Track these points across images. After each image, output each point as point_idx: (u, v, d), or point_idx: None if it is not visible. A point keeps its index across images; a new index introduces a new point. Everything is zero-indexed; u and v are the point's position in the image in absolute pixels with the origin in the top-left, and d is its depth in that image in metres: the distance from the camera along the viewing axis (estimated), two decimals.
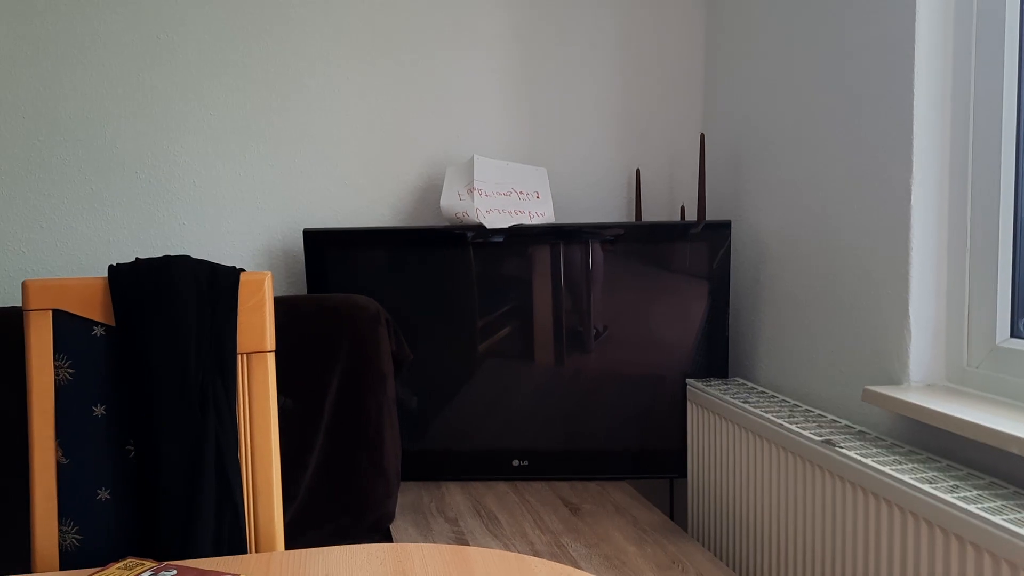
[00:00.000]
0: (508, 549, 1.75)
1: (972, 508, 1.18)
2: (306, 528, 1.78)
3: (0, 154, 2.01)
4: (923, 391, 1.50)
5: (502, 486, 2.11)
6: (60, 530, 1.08)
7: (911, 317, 1.54)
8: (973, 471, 1.35)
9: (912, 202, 1.53)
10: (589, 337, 2.07)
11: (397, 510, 1.96)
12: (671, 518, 2.30)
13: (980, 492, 1.24)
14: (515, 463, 2.10)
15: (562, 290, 2.06)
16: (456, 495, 2.05)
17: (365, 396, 1.79)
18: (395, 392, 1.85)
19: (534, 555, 1.73)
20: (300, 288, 2.17)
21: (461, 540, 1.79)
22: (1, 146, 2.00)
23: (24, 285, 1.08)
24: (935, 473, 1.33)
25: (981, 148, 1.47)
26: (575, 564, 1.68)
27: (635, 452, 2.09)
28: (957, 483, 1.29)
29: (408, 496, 2.04)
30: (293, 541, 1.77)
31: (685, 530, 2.14)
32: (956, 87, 1.51)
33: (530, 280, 2.06)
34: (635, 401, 2.08)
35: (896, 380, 1.58)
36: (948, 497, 1.22)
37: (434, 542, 1.78)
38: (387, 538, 1.83)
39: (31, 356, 1.08)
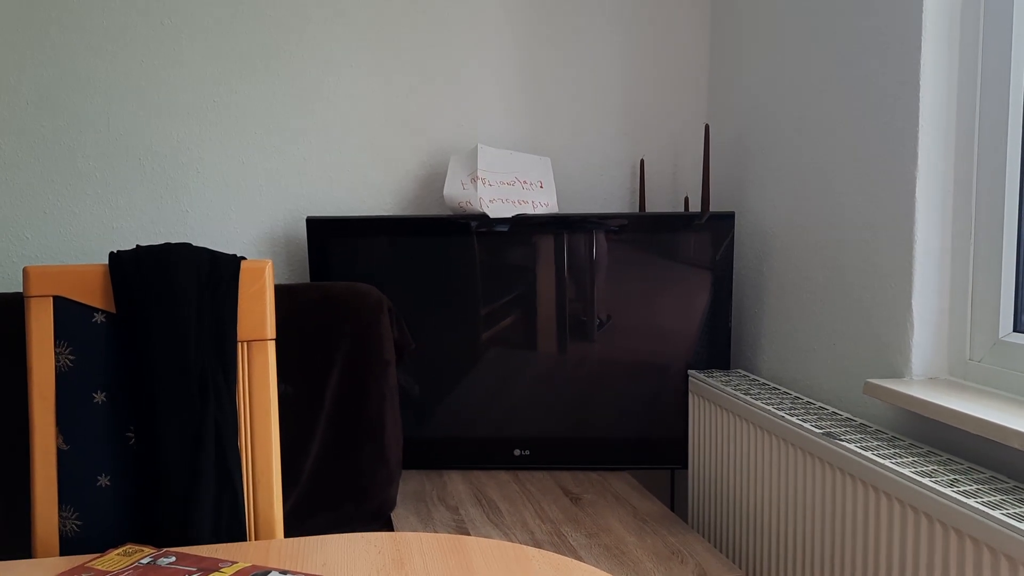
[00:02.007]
0: (508, 538, 1.75)
1: (971, 502, 1.17)
2: (307, 515, 1.78)
3: (4, 140, 2.01)
4: (925, 385, 1.50)
5: (503, 475, 2.11)
6: (60, 516, 1.08)
7: (914, 310, 1.54)
8: (973, 465, 1.35)
9: (917, 194, 1.53)
10: (592, 327, 2.07)
11: (399, 498, 1.97)
12: (671, 509, 2.31)
13: (980, 486, 1.24)
14: (517, 452, 2.11)
15: (565, 280, 2.06)
16: (458, 484, 2.05)
17: (367, 384, 1.80)
18: (397, 380, 1.85)
19: (534, 544, 1.73)
20: (302, 276, 2.18)
21: (462, 528, 1.79)
22: (5, 132, 2.01)
23: (25, 271, 1.08)
24: (935, 467, 1.33)
25: (987, 141, 1.46)
26: (575, 554, 1.69)
27: (636, 442, 2.09)
28: (957, 477, 1.29)
29: (410, 484, 2.05)
30: (294, 528, 1.78)
31: (685, 521, 2.14)
32: (962, 78, 1.50)
33: (533, 269, 2.05)
34: (637, 391, 2.08)
35: (898, 373, 1.57)
36: (948, 491, 1.22)
37: (435, 530, 1.78)
38: (388, 526, 1.84)
39: (32, 342, 1.08)
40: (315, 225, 2.04)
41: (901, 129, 1.56)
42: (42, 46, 2.00)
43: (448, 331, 2.08)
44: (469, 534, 1.73)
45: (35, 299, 1.08)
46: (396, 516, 1.87)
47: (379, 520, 1.83)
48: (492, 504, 1.93)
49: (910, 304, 1.54)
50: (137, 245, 1.18)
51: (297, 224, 2.16)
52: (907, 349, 1.55)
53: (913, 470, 1.31)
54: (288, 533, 1.74)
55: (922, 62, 1.51)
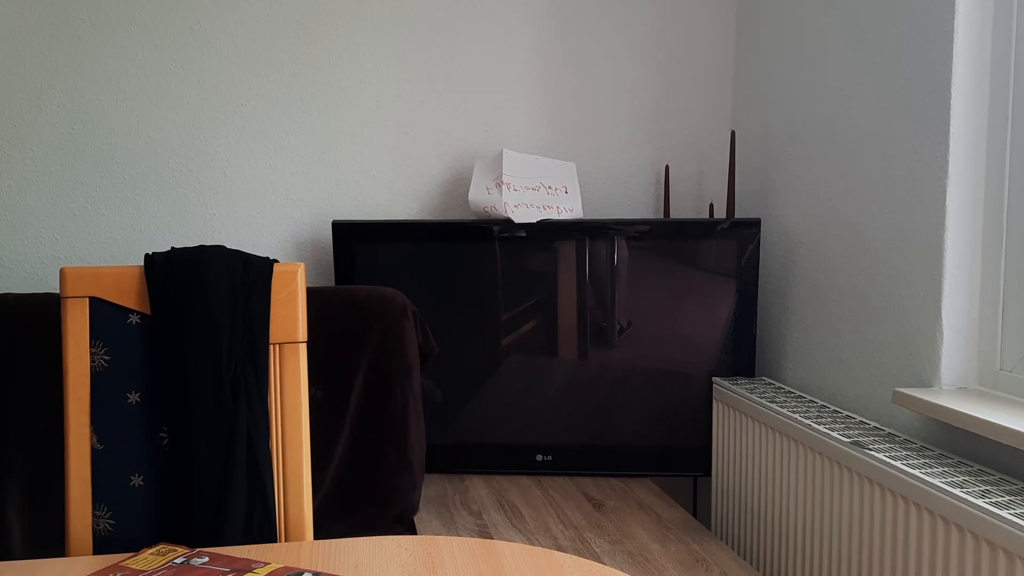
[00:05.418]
0: (532, 543, 1.75)
1: (1003, 513, 1.16)
2: (331, 518, 1.79)
3: (35, 142, 2.03)
4: (955, 394, 1.48)
5: (525, 480, 2.11)
6: (94, 515, 1.09)
7: (943, 319, 1.53)
8: (1005, 476, 1.33)
9: (947, 202, 1.52)
10: (613, 333, 2.06)
11: (421, 502, 1.97)
12: (694, 516, 2.30)
13: (1012, 497, 1.23)
14: (539, 458, 2.11)
15: (587, 286, 2.06)
16: (480, 488, 2.05)
17: (391, 388, 1.80)
18: (421, 385, 1.85)
19: (558, 550, 1.73)
20: (327, 280, 2.19)
21: (485, 533, 1.80)
22: (37, 134, 2.03)
23: (62, 272, 1.10)
24: (966, 477, 1.32)
25: (1019, 148, 1.45)
26: (599, 560, 1.68)
27: (659, 449, 2.08)
28: (988, 488, 1.27)
29: (432, 488, 2.05)
30: (318, 531, 1.78)
31: (709, 529, 2.13)
32: (994, 85, 1.49)
33: (556, 275, 2.06)
34: (660, 398, 2.07)
35: (927, 383, 1.56)
36: (979, 501, 1.21)
37: (458, 535, 1.79)
38: (411, 530, 1.84)
39: (68, 343, 1.10)
40: (341, 229, 2.05)
41: (931, 136, 1.55)
42: (72, 50, 2.03)
43: (471, 336, 2.08)
44: (492, 539, 1.73)
45: (71, 300, 1.10)
46: (419, 520, 1.87)
47: (402, 524, 1.84)
48: (515, 509, 1.92)
49: (940, 313, 1.53)
50: (172, 247, 1.19)
51: (323, 228, 2.18)
52: (936, 358, 1.54)
53: (943, 480, 1.30)
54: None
55: (953, 69, 1.50)
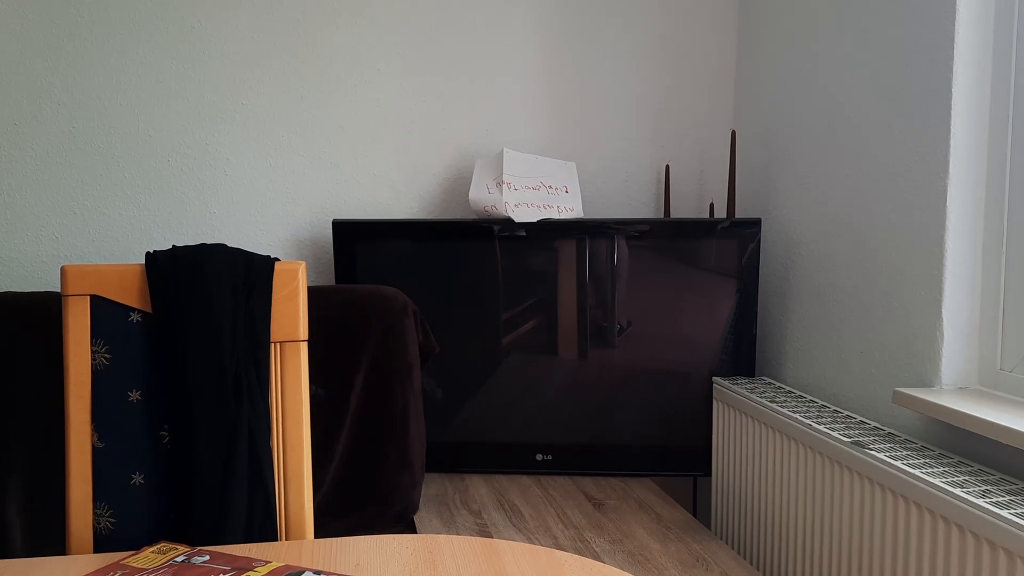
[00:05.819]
0: (531, 543, 1.75)
1: (1004, 513, 1.16)
2: (331, 517, 1.79)
3: (35, 140, 2.03)
4: (955, 394, 1.48)
5: (525, 480, 2.11)
6: (95, 513, 1.09)
7: (944, 319, 1.53)
8: (1005, 476, 1.33)
9: (948, 202, 1.52)
10: (614, 332, 2.06)
11: (421, 501, 1.97)
12: (694, 516, 2.30)
13: (1012, 497, 1.23)
14: (539, 457, 2.11)
15: (587, 285, 2.06)
16: (480, 487, 2.05)
17: (392, 387, 1.80)
18: (421, 384, 1.85)
19: (558, 549, 1.73)
20: (328, 279, 2.19)
21: (485, 532, 1.79)
22: (37, 132, 2.03)
23: (63, 270, 1.10)
24: (966, 477, 1.32)
25: (1020, 148, 1.45)
26: (598, 560, 1.68)
27: (659, 449, 2.08)
28: (989, 487, 1.27)
29: (432, 487, 2.05)
30: (318, 530, 1.78)
31: (708, 528, 2.13)
32: (995, 85, 1.49)
33: (556, 274, 2.06)
34: (660, 398, 2.07)
35: (927, 382, 1.56)
36: (979, 501, 1.21)
37: (458, 534, 1.78)
38: (411, 529, 1.84)
39: (69, 341, 1.10)
40: (341, 228, 2.05)
41: (932, 136, 1.55)
42: (73, 48, 2.03)
43: (471, 335, 2.08)
44: (492, 538, 1.73)
45: (73, 298, 1.10)
46: (419, 519, 1.87)
47: (402, 523, 1.84)
48: (515, 508, 1.92)
49: (940, 313, 1.53)
50: (173, 245, 1.19)
51: (323, 226, 2.17)
52: (937, 358, 1.54)
53: (944, 480, 1.30)
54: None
55: (954, 69, 1.50)
